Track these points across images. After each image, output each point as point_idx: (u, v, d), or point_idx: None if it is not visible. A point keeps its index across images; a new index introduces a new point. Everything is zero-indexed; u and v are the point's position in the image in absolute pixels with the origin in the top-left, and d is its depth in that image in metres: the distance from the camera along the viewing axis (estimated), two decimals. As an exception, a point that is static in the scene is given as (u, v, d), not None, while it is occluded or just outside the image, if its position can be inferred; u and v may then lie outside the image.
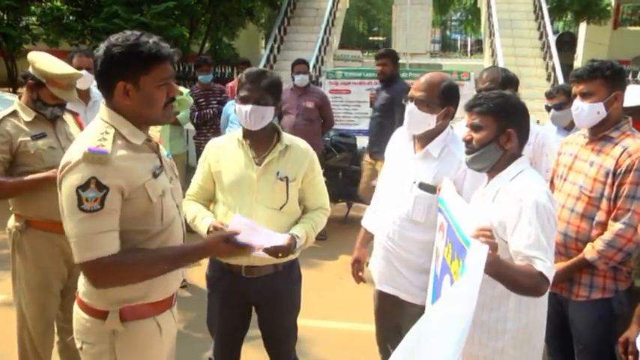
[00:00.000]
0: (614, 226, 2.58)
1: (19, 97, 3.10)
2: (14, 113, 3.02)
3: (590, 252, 2.63)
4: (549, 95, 4.59)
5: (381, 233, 2.86)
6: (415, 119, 2.68)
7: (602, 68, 2.66)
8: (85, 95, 4.08)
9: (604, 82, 2.66)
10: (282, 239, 2.52)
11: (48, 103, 3.01)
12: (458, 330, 1.69)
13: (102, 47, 1.90)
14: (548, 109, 4.56)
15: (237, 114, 2.72)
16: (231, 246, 2.07)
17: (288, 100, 6.57)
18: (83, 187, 1.80)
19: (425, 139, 2.72)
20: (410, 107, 2.70)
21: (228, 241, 2.07)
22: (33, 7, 13.44)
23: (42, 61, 2.98)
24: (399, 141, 2.92)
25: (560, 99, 4.41)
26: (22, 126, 2.99)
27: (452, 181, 2.57)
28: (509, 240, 2.22)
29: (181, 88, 5.05)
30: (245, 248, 2.11)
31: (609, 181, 2.61)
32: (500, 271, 2.04)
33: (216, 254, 2.19)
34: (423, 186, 2.67)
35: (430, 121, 2.66)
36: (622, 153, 2.60)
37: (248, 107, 2.65)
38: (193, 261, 2.13)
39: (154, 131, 2.12)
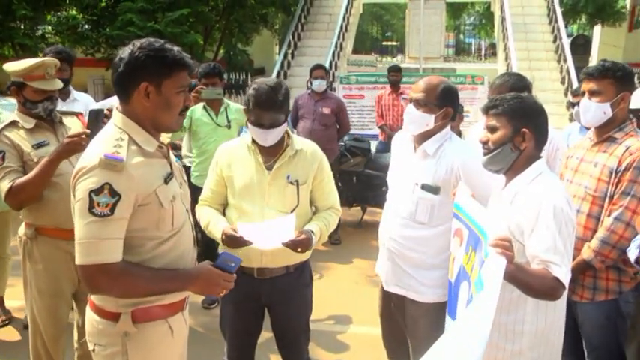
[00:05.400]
0: (606, 222, 2.61)
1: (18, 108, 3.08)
2: (14, 123, 3.01)
3: (586, 251, 2.64)
4: (574, 92, 4.63)
5: (385, 234, 2.89)
6: (413, 119, 2.73)
7: (614, 69, 2.71)
8: (63, 91, 3.99)
9: (613, 82, 2.70)
10: (287, 223, 2.59)
11: (35, 99, 3.00)
12: (475, 347, 1.69)
13: (126, 50, 1.95)
14: (572, 105, 4.58)
15: (252, 134, 2.71)
16: (222, 275, 2.02)
17: (305, 105, 6.56)
18: (97, 191, 1.83)
19: (423, 139, 2.76)
20: (409, 108, 2.76)
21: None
22: (49, 17, 13.60)
23: (14, 64, 3.01)
24: (401, 142, 2.95)
25: None
26: (23, 135, 2.99)
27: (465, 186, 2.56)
28: (527, 243, 2.22)
29: (234, 105, 4.98)
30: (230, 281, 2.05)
31: (612, 180, 2.63)
32: (515, 275, 2.04)
33: (208, 284, 2.05)
34: (425, 187, 2.70)
35: (428, 121, 2.70)
36: (624, 152, 2.62)
37: (264, 131, 2.65)
38: (184, 288, 2.06)
39: (164, 137, 2.15)
